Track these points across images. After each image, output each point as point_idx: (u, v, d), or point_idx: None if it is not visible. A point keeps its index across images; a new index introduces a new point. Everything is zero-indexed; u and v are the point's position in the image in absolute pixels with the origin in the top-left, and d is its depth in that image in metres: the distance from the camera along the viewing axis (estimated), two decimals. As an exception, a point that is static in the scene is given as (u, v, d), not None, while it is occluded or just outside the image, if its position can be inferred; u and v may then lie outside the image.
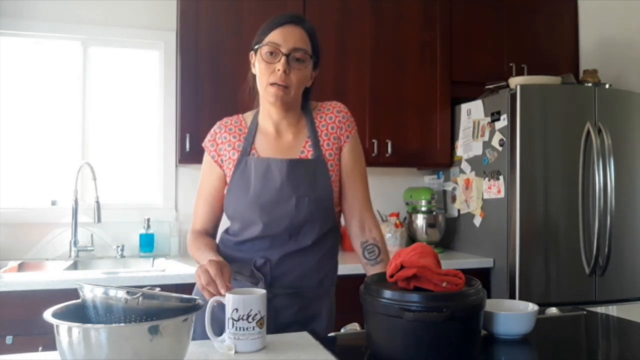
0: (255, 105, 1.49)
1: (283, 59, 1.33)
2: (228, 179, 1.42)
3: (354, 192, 1.47)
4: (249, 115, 1.49)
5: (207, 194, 1.47)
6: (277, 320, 1.36)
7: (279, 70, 1.33)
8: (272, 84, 1.35)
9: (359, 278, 1.27)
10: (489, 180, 2.72)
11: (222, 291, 1.14)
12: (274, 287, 1.37)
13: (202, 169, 1.49)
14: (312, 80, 1.44)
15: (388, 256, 1.44)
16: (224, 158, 1.43)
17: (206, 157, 1.48)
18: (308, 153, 1.42)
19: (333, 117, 1.46)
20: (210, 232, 1.49)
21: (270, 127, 1.44)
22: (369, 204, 1.50)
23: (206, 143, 1.48)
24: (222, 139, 1.45)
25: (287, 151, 1.42)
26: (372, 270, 1.43)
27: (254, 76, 1.44)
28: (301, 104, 1.46)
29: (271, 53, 1.35)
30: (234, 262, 1.38)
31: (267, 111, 1.43)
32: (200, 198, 1.48)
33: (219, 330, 1.16)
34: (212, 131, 1.48)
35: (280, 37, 1.35)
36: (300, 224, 1.38)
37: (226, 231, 1.49)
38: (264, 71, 1.36)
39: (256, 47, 1.39)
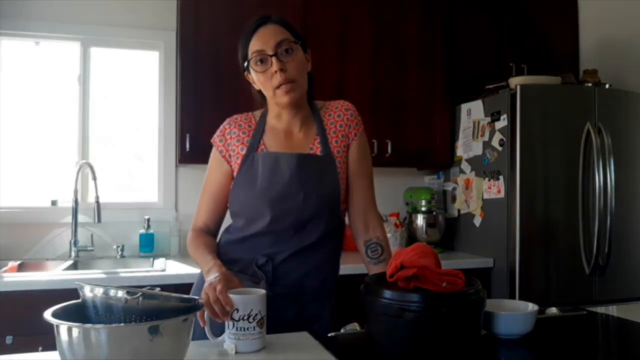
0: (262, 106, 1.49)
1: (273, 59, 1.34)
2: (235, 174, 1.42)
3: (360, 190, 1.48)
4: (258, 114, 1.50)
5: (213, 190, 1.46)
6: (277, 321, 1.34)
7: (275, 72, 1.34)
8: (277, 87, 1.36)
9: (359, 278, 1.27)
10: (489, 180, 2.72)
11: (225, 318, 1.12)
12: (275, 286, 1.36)
13: (210, 164, 1.49)
14: (309, 63, 1.45)
15: (391, 255, 1.43)
16: (232, 153, 1.44)
17: (214, 153, 1.48)
18: (317, 150, 1.42)
19: (341, 114, 1.47)
20: (211, 230, 1.49)
21: (280, 126, 1.45)
22: (374, 202, 1.51)
23: (215, 138, 1.48)
24: (231, 134, 1.45)
25: (296, 148, 1.42)
26: (375, 269, 1.43)
27: (258, 91, 1.45)
28: (307, 100, 1.47)
29: (261, 61, 1.36)
30: (236, 262, 1.38)
31: (277, 113, 1.44)
32: (205, 194, 1.48)
33: (218, 330, 1.16)
34: (221, 127, 1.49)
35: (259, 42, 1.36)
36: (306, 220, 1.37)
37: (227, 230, 1.48)
38: (264, 81, 1.38)
39: (245, 65, 1.41)
